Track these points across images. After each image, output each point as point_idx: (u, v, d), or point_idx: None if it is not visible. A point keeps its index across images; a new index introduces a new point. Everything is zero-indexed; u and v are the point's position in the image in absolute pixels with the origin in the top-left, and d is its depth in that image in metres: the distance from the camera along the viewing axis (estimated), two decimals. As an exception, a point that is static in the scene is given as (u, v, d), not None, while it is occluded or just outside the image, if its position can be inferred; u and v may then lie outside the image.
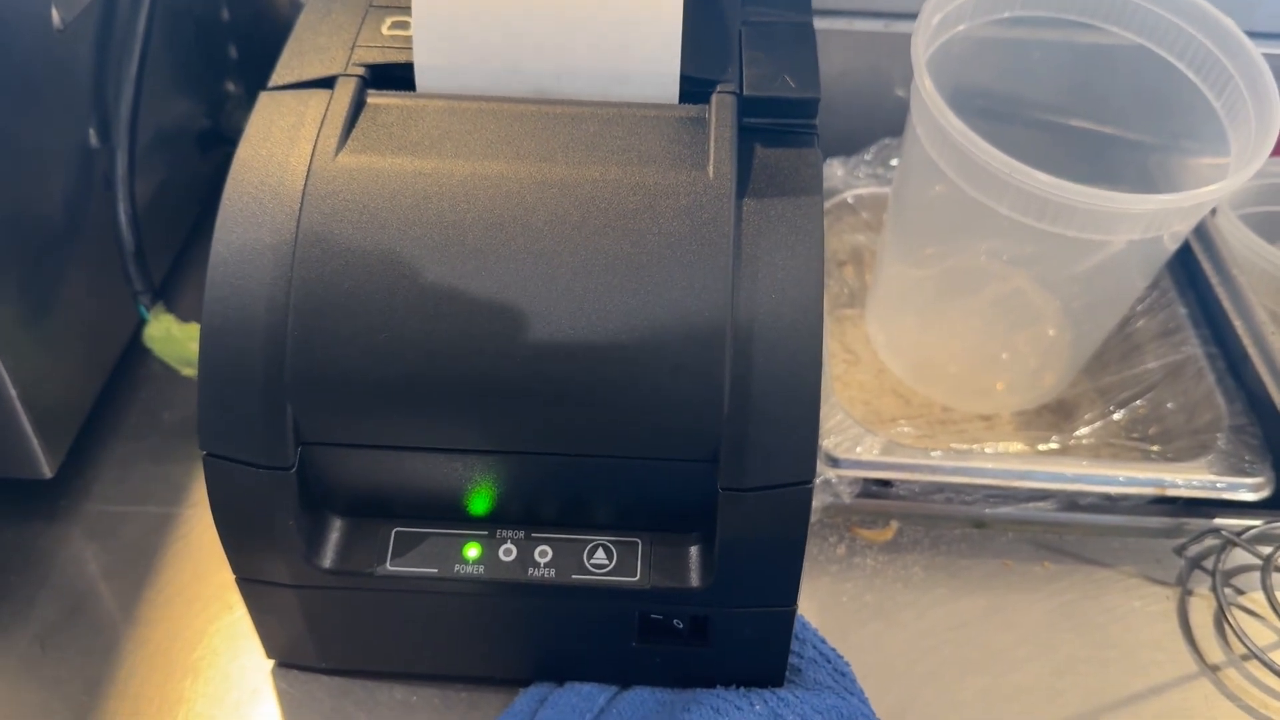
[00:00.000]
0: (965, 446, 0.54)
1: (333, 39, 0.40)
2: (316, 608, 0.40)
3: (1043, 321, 0.55)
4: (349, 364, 0.34)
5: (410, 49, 0.39)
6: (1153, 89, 0.53)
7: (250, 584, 0.39)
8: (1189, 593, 0.48)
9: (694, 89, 0.39)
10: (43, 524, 0.49)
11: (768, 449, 0.35)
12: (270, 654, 0.43)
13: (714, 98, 0.38)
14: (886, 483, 0.50)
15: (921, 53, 0.46)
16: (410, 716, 0.42)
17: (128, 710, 0.43)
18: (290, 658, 0.43)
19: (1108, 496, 0.50)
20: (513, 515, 0.39)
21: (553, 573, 0.38)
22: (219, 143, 0.64)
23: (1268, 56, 0.60)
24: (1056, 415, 0.57)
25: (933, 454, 0.49)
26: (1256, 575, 0.47)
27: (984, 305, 0.55)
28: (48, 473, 0.48)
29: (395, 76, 0.39)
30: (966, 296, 0.55)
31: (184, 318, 0.50)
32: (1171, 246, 0.50)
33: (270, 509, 0.36)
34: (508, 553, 0.38)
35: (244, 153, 0.37)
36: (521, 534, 0.39)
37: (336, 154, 0.36)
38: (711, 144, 0.37)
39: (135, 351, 0.54)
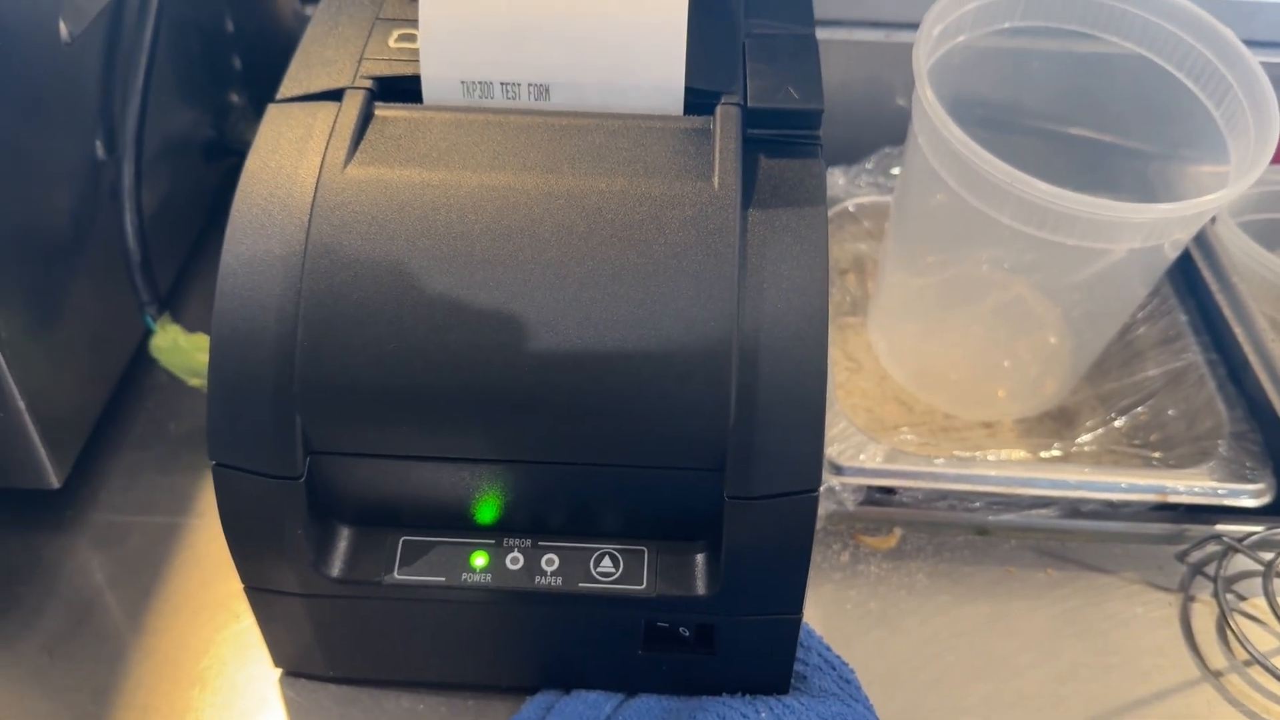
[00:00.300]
0: (968, 454, 0.54)
1: (340, 51, 0.41)
2: (324, 616, 0.40)
3: (1044, 329, 0.55)
4: (358, 374, 0.35)
5: (417, 61, 0.39)
6: (1152, 97, 0.53)
7: (258, 593, 0.40)
8: (1191, 598, 0.48)
9: (698, 100, 0.39)
10: (50, 534, 0.49)
11: (773, 457, 0.35)
12: (278, 663, 0.43)
13: (718, 109, 0.38)
14: (890, 490, 0.50)
15: (923, 63, 0.47)
16: (418, 725, 0.42)
17: (142, 715, 0.43)
18: (298, 667, 0.43)
19: (1110, 503, 0.50)
20: (520, 524, 0.39)
21: (560, 581, 0.38)
22: (224, 153, 0.64)
23: (1266, 65, 0.60)
24: (1058, 422, 0.57)
25: (936, 461, 0.49)
26: (1258, 581, 0.48)
27: (985, 313, 0.56)
28: (55, 483, 0.48)
29: (402, 89, 0.39)
30: (968, 304, 0.56)
31: (190, 328, 0.51)
32: (1172, 255, 0.50)
33: (279, 518, 0.37)
34: (515, 561, 0.38)
35: (253, 164, 0.37)
36: (528, 542, 0.39)
37: (345, 166, 0.36)
38: (716, 155, 0.37)
39: (141, 362, 0.54)
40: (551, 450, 0.36)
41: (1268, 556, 0.48)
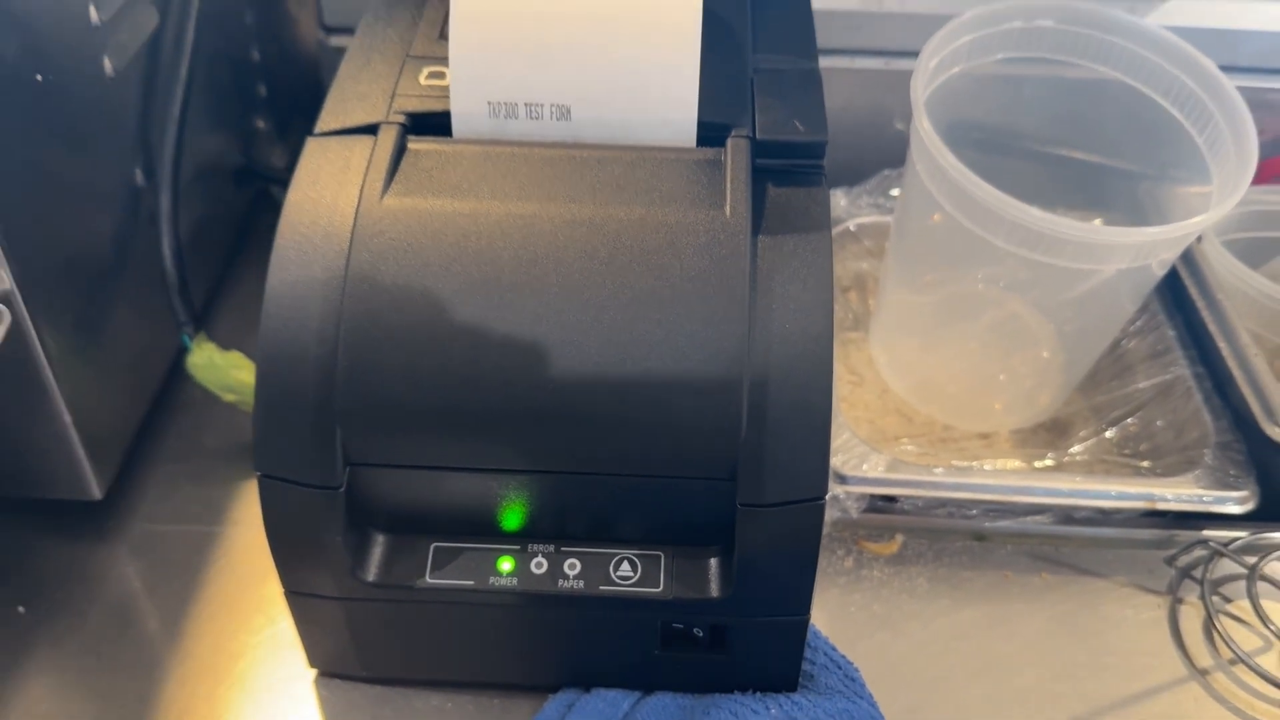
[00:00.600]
0: (965, 463, 0.56)
1: (373, 87, 0.43)
2: (359, 619, 0.42)
3: (1038, 344, 0.58)
4: (394, 391, 0.37)
5: (446, 97, 0.42)
6: (1140, 122, 0.56)
7: (298, 597, 0.42)
8: (1179, 601, 0.51)
9: (710, 133, 0.41)
10: (92, 543, 0.51)
11: (782, 468, 0.37)
12: (313, 664, 0.46)
13: (729, 142, 0.41)
14: (891, 498, 0.53)
15: (920, 94, 0.49)
16: (446, 722, 0.45)
17: (184, 715, 0.45)
18: (332, 667, 0.46)
19: (1101, 510, 0.52)
20: (543, 530, 0.41)
21: (581, 584, 0.41)
22: (251, 177, 0.67)
23: (1248, 89, 0.63)
24: (1052, 433, 0.60)
25: (935, 471, 0.52)
26: (1242, 584, 0.50)
27: (982, 329, 0.58)
28: (98, 494, 0.50)
29: (433, 123, 0.42)
30: (965, 321, 0.58)
31: (222, 345, 0.53)
32: (1159, 273, 0.53)
33: (319, 526, 0.39)
34: (539, 565, 0.41)
35: (294, 195, 0.39)
36: (551, 548, 0.41)
37: (382, 197, 0.39)
38: (728, 185, 0.39)
39: (175, 379, 0.57)
40: (574, 461, 0.39)
41: (1251, 560, 0.50)
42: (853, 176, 0.67)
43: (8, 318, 0.43)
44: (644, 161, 0.41)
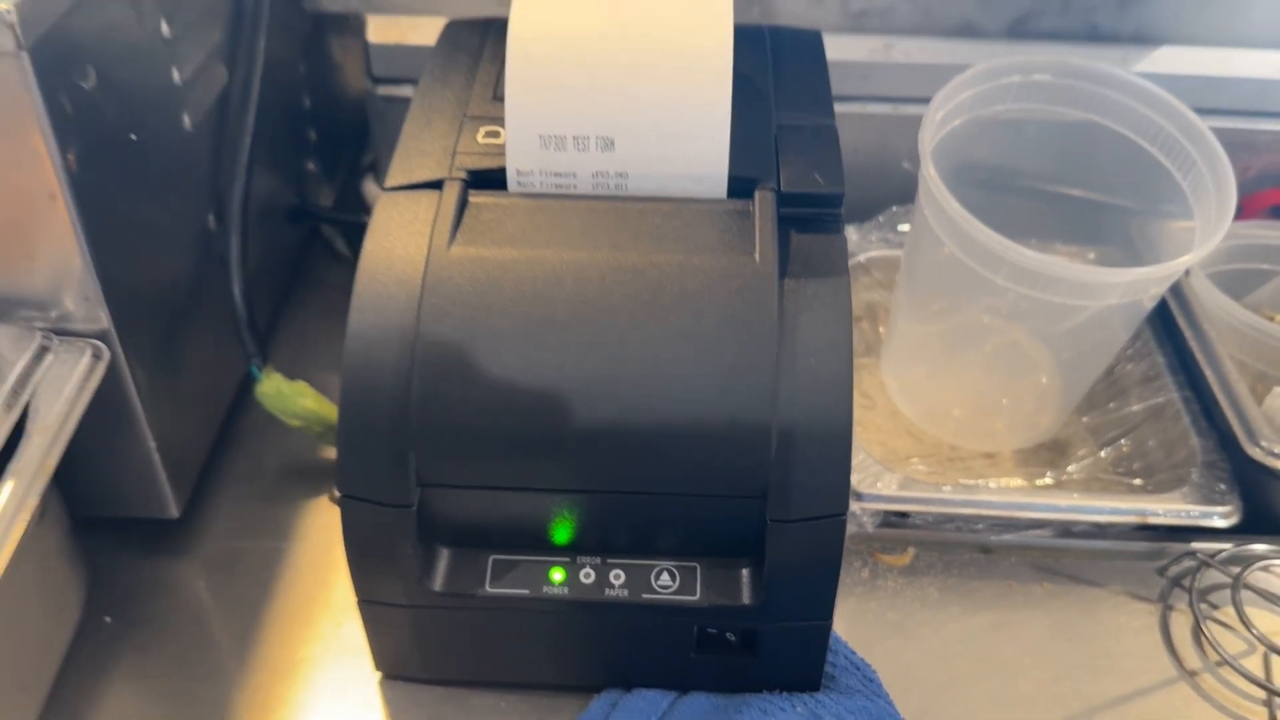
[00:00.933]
0: (972, 481, 0.60)
1: (435, 145, 0.48)
2: (424, 625, 0.47)
3: (1038, 371, 0.62)
4: (462, 420, 0.42)
5: (501, 155, 0.46)
6: (1131, 164, 0.59)
7: (370, 605, 0.46)
8: (1169, 608, 0.55)
9: (739, 186, 0.46)
10: (170, 558, 0.55)
11: (808, 487, 0.42)
12: (379, 667, 0.50)
13: (757, 194, 0.45)
14: (904, 514, 0.57)
15: (928, 144, 0.54)
16: (503, 719, 0.49)
17: (259, 715, 0.49)
18: (396, 670, 0.50)
19: (1097, 525, 0.56)
20: (591, 544, 0.45)
21: (625, 593, 0.45)
22: (304, 217, 0.72)
23: (1233, 130, 0.68)
24: (1051, 453, 0.64)
25: (944, 489, 0.56)
26: (1228, 592, 0.54)
27: (985, 357, 0.62)
28: (175, 513, 0.55)
29: (491, 179, 0.46)
30: (970, 349, 0.62)
31: (281, 374, 0.57)
32: (1149, 305, 0.57)
33: (393, 540, 0.43)
34: (587, 576, 0.45)
35: (370, 246, 0.44)
36: (598, 560, 0.46)
37: (449, 246, 0.43)
38: (757, 233, 0.44)
39: (240, 406, 0.62)
40: (620, 482, 0.43)
41: (1236, 570, 0.54)
42: (863, 213, 0.72)
43: (106, 355, 0.47)
44: (680, 212, 0.45)
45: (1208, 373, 0.60)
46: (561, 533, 0.45)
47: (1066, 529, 0.57)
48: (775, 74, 0.52)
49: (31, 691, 0.48)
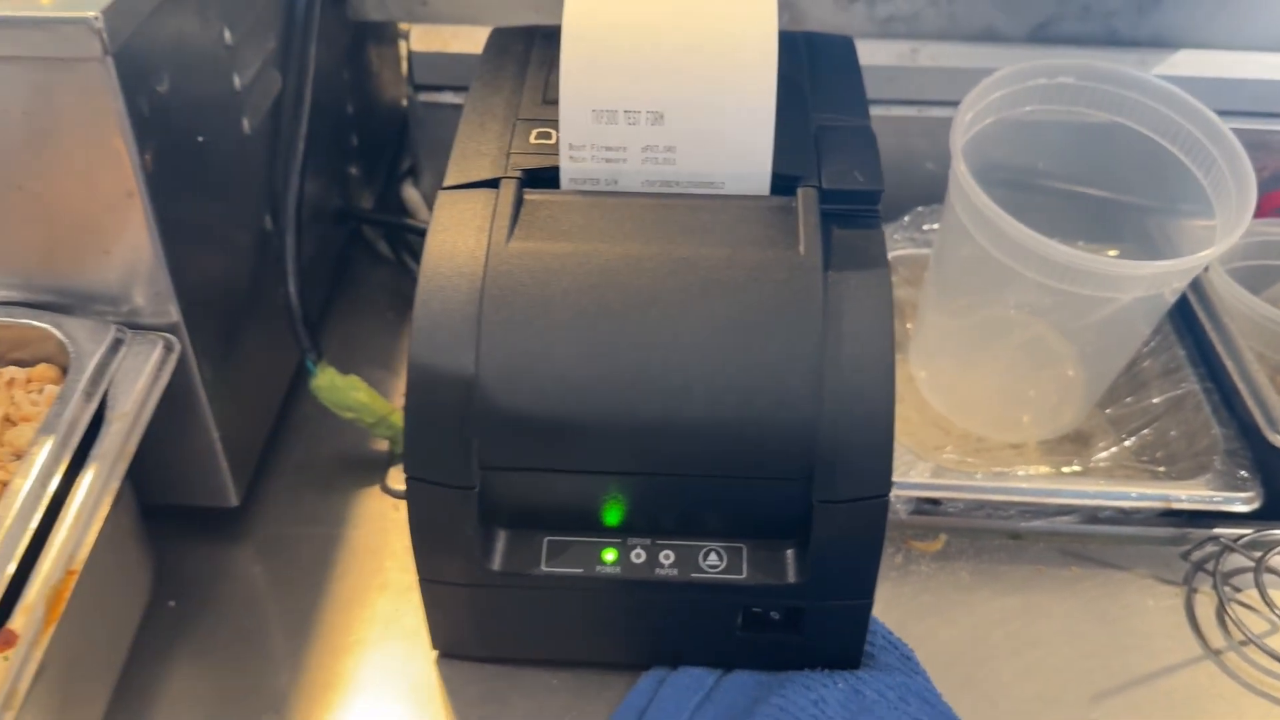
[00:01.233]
0: (1001, 470, 0.62)
1: (490, 147, 0.50)
2: (482, 604, 0.49)
3: (1062, 363, 0.64)
4: (522, 405, 0.44)
5: (554, 154, 0.48)
6: (1151, 163, 0.61)
7: (431, 584, 0.48)
8: (1194, 591, 0.56)
9: (782, 184, 0.48)
10: (230, 545, 0.58)
11: (853, 469, 0.44)
12: (435, 645, 0.52)
13: (800, 191, 0.47)
14: (936, 501, 0.59)
15: (958, 143, 0.56)
16: (554, 696, 0.51)
17: (319, 693, 0.51)
18: (453, 648, 0.52)
19: (1123, 510, 0.58)
20: (641, 526, 0.47)
21: (675, 572, 0.47)
22: (347, 218, 0.74)
23: (1251, 130, 0.70)
24: (1075, 444, 0.65)
25: (975, 476, 0.58)
26: (1250, 575, 0.56)
27: (1011, 350, 0.64)
28: (235, 501, 0.57)
29: (544, 178, 0.48)
30: (996, 342, 0.64)
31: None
32: (1171, 299, 0.59)
33: (456, 521, 0.46)
34: (638, 556, 0.47)
35: (433, 242, 0.46)
36: (649, 541, 0.48)
37: (507, 241, 0.45)
38: (801, 228, 0.46)
39: (293, 398, 0.64)
40: (672, 465, 0.45)
41: (1258, 554, 0.56)
42: (889, 214, 0.73)
43: (177, 347, 0.50)
44: (726, 208, 0.47)
45: (1228, 363, 0.62)
46: (613, 515, 0.47)
47: (1093, 515, 0.59)
48: (812, 77, 0.54)
49: (106, 672, 0.50)
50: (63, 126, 0.43)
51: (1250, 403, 0.59)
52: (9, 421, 0.46)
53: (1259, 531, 0.57)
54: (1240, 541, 0.57)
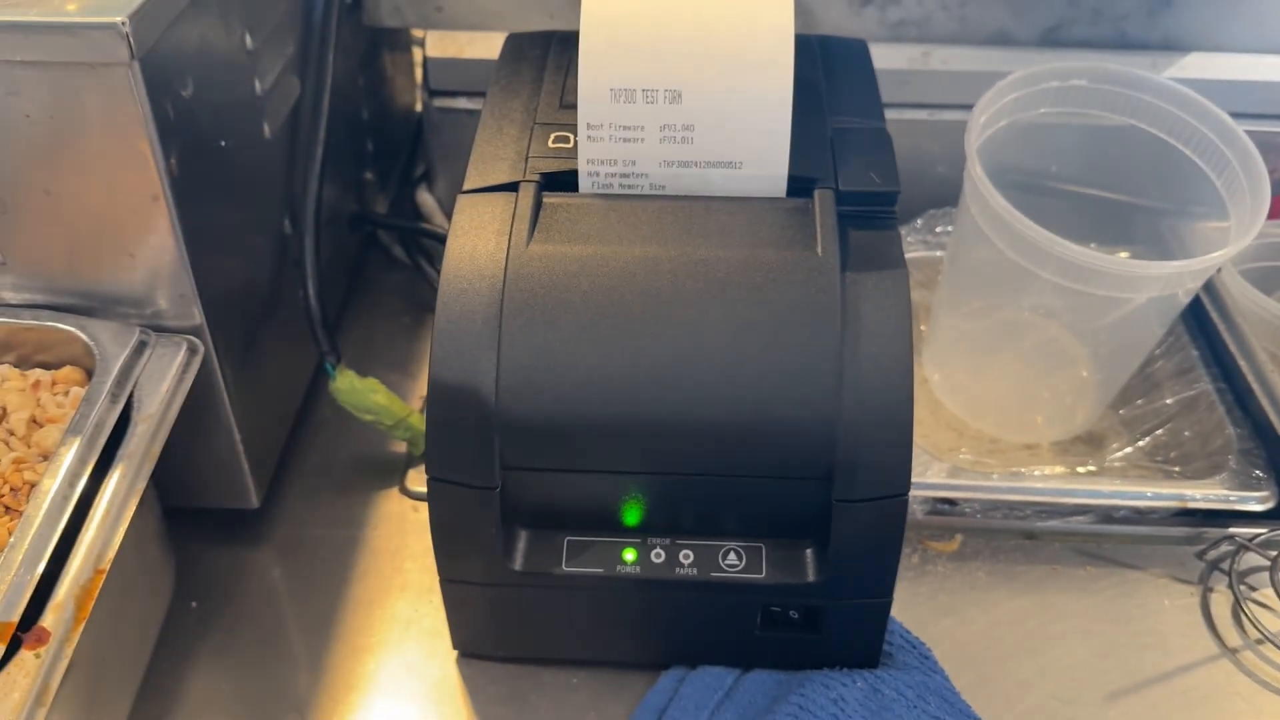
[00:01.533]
0: (1016, 470, 0.63)
1: (509, 150, 0.50)
2: (503, 603, 0.49)
3: (1076, 365, 0.64)
4: (543, 406, 0.44)
5: (572, 159, 0.49)
6: (1164, 165, 0.61)
7: (452, 584, 0.49)
8: (1209, 589, 0.57)
9: (799, 185, 0.48)
10: (250, 546, 0.58)
11: (872, 467, 0.44)
12: (456, 645, 0.52)
13: (817, 193, 0.47)
14: (952, 501, 0.59)
15: (973, 145, 0.56)
16: (574, 695, 0.51)
17: (340, 693, 0.52)
18: (473, 648, 0.53)
19: (1138, 510, 0.58)
20: (660, 526, 0.48)
21: (694, 571, 0.47)
22: (363, 223, 0.75)
23: (1264, 133, 0.70)
24: (1089, 445, 0.66)
25: (991, 476, 0.58)
26: (1266, 574, 0.56)
27: (1026, 351, 0.64)
28: (255, 503, 0.57)
29: (563, 181, 0.49)
30: (1010, 344, 0.65)
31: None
32: (1184, 300, 0.59)
33: (478, 521, 0.46)
34: (658, 556, 0.48)
35: (453, 245, 0.46)
36: (668, 541, 0.48)
37: (528, 244, 0.46)
38: (818, 229, 0.46)
39: (311, 401, 0.64)
40: (692, 465, 0.45)
41: (1273, 553, 0.56)
42: (901, 216, 0.72)
43: (201, 349, 0.50)
44: (744, 210, 0.48)
45: (1242, 364, 0.62)
46: (633, 515, 0.48)
47: (1108, 515, 0.59)
48: (827, 81, 0.54)
49: (130, 671, 0.51)
50: (89, 131, 0.44)
51: (1264, 402, 0.60)
52: (36, 423, 0.47)
53: (1274, 530, 0.57)
54: (1255, 540, 0.57)
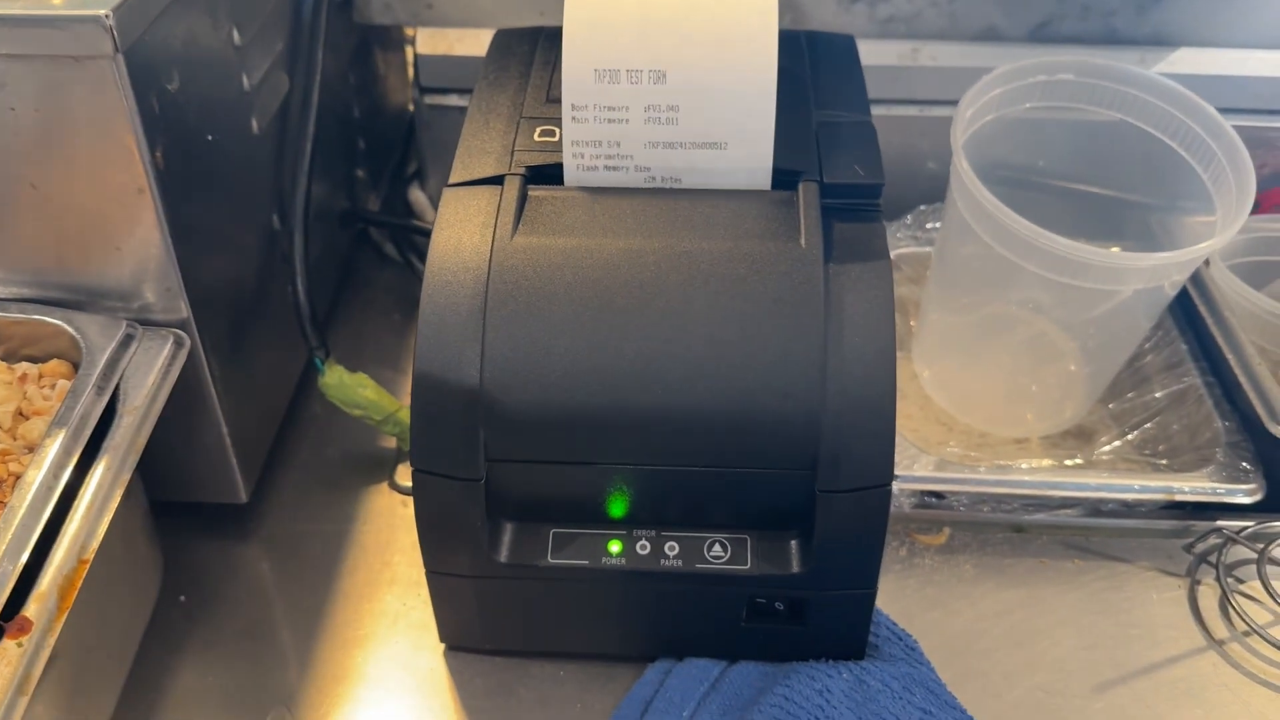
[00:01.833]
0: (1004, 463, 0.63)
1: (495, 144, 0.50)
2: (489, 596, 0.49)
3: (1064, 359, 0.64)
4: (527, 398, 0.44)
5: (557, 152, 0.49)
6: (1151, 159, 0.62)
7: (438, 576, 0.49)
8: (1197, 582, 0.57)
9: (783, 178, 0.48)
10: (239, 541, 0.58)
11: (856, 458, 0.44)
12: (443, 639, 0.53)
13: (801, 185, 0.48)
14: (939, 494, 0.59)
15: (959, 140, 0.56)
16: (561, 688, 0.51)
17: (328, 686, 0.52)
18: (460, 641, 0.53)
19: (1126, 503, 0.59)
20: (646, 518, 0.48)
21: (680, 563, 0.47)
22: (354, 220, 0.75)
23: (1252, 128, 0.70)
24: (1078, 439, 0.66)
25: (979, 469, 0.58)
26: (1253, 566, 0.56)
27: (1014, 346, 0.65)
28: (244, 497, 0.57)
29: (548, 174, 0.49)
30: (999, 339, 0.65)
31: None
32: (1171, 293, 0.59)
33: (463, 513, 0.46)
34: (643, 547, 0.48)
35: (438, 238, 0.47)
36: (653, 533, 0.48)
37: (512, 236, 0.46)
38: (802, 221, 0.46)
39: (300, 397, 0.65)
40: (677, 457, 0.45)
41: (1260, 546, 0.56)
42: (891, 212, 0.74)
43: (187, 343, 0.50)
44: (728, 202, 0.48)
45: (1230, 357, 0.62)
46: (618, 507, 0.48)
47: (1096, 508, 0.59)
48: (813, 75, 0.54)
49: (117, 664, 0.51)
50: (74, 124, 0.44)
51: (1252, 395, 0.60)
52: (22, 416, 0.47)
53: (1261, 523, 0.57)
54: (1243, 533, 0.57)
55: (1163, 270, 0.54)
